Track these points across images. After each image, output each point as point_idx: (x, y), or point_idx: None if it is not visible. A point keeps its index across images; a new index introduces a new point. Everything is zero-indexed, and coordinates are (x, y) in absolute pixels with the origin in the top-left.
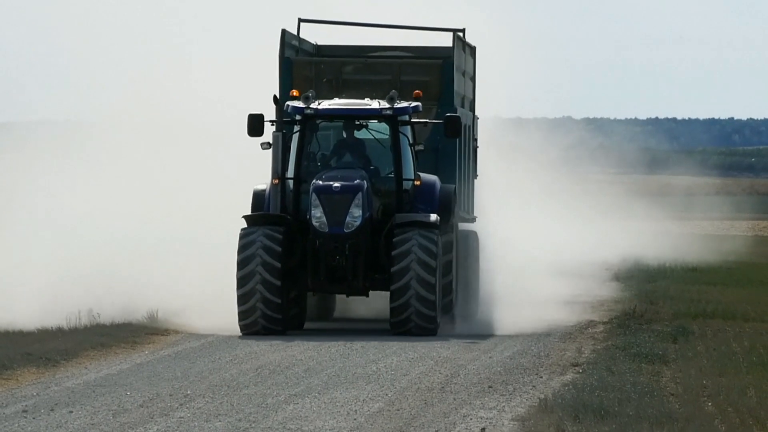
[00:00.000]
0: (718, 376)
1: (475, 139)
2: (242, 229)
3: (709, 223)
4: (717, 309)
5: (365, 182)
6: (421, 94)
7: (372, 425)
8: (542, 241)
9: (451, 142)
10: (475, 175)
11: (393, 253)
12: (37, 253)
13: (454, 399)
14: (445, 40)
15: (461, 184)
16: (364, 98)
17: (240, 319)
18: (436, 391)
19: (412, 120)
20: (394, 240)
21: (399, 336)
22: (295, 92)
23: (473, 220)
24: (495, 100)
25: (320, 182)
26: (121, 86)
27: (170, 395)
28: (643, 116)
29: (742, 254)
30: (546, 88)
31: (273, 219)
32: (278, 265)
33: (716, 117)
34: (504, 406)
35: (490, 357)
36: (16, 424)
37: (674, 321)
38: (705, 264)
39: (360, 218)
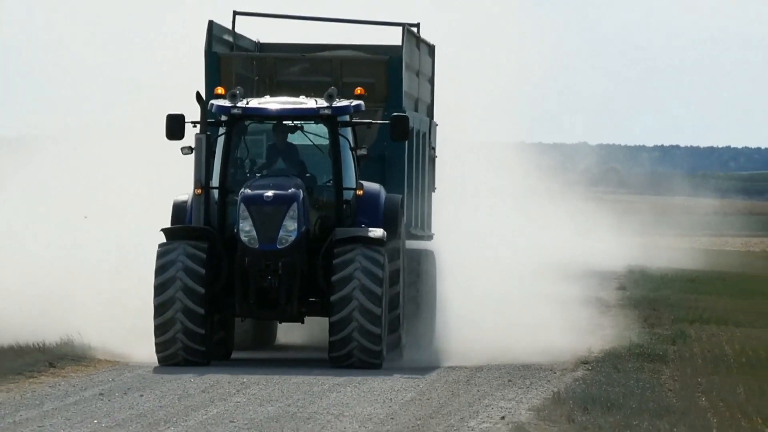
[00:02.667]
0: (711, 374)
1: (433, 148)
2: (160, 245)
3: (708, 239)
4: (712, 315)
5: (301, 191)
6: (363, 91)
7: (405, 412)
8: (548, 252)
9: (399, 148)
10: (433, 188)
11: (333, 278)
12: None
13: (478, 390)
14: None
15: (414, 196)
16: (299, 96)
17: (158, 351)
18: (462, 383)
19: (353, 120)
20: (334, 262)
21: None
22: (220, 89)
23: (430, 237)
24: (513, 123)
25: (249, 191)
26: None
27: (228, 382)
28: (650, 143)
29: (736, 267)
30: (564, 115)
31: (195, 232)
32: (201, 290)
33: (715, 145)
34: (522, 398)
35: (511, 355)
36: (94, 405)
37: (674, 325)
38: (703, 275)
39: (295, 232)
